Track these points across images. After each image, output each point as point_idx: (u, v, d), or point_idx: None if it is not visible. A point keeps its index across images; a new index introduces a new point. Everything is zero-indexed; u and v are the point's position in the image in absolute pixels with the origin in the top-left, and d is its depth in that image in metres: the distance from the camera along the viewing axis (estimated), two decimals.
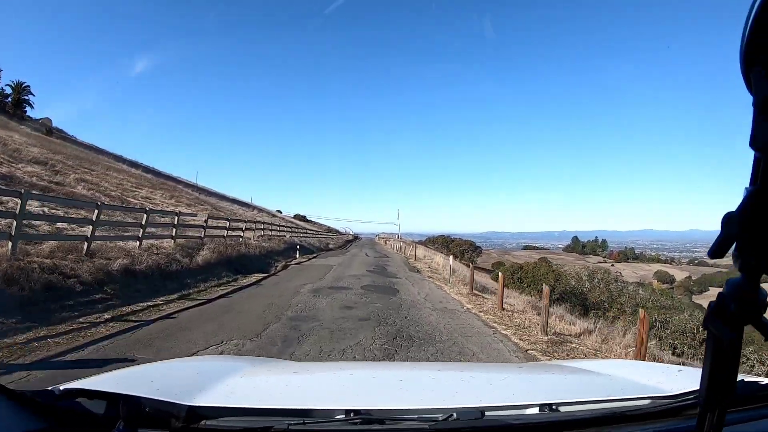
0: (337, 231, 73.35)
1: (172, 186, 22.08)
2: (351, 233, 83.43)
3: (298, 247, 18.42)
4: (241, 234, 15.32)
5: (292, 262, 14.90)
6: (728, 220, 0.43)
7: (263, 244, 16.06)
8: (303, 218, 68.03)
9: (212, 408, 0.91)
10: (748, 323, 0.44)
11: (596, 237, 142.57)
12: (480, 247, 54.17)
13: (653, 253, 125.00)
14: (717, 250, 0.44)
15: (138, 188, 17.35)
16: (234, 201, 38.28)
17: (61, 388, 0.90)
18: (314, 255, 20.39)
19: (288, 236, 23.03)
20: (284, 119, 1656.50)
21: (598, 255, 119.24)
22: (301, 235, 28.62)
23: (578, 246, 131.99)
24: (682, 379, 1.18)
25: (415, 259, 21.18)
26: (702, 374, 0.47)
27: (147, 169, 29.22)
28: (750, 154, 0.44)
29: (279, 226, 25.33)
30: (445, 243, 41.00)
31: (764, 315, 0.44)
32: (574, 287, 20.22)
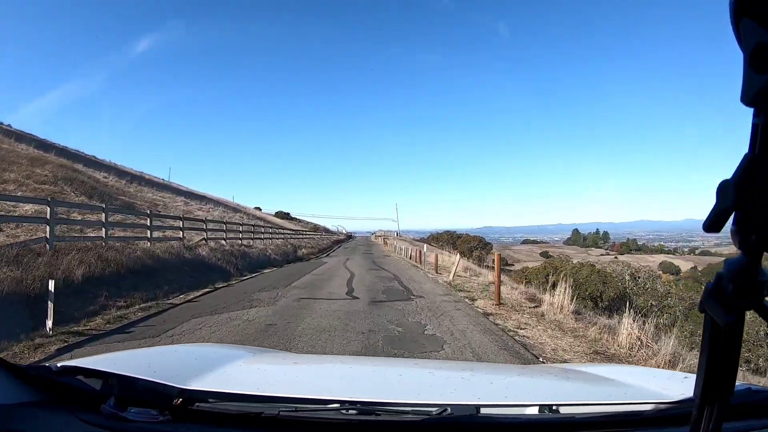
0: (326, 229, 66.69)
1: (70, 166, 16.10)
2: (344, 232, 76.52)
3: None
4: None
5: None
6: (723, 189, 0.38)
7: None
8: (286, 216, 61.76)
9: (206, 392, 0.91)
10: (749, 307, 0.39)
11: (597, 229, 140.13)
12: (490, 244, 47.82)
13: (656, 244, 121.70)
14: (713, 222, 0.38)
15: None
16: (191, 194, 32.18)
17: (59, 365, 0.91)
18: (203, 290, 8.34)
19: (212, 243, 13.27)
20: (276, 117, 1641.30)
21: (600, 247, 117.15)
22: (255, 236, 20.03)
23: (579, 239, 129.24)
24: (688, 385, 1.09)
25: (498, 303, 7.39)
26: (699, 366, 0.41)
27: (63, 151, 23.12)
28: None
29: (225, 223, 16.84)
30: (451, 240, 36.21)
31: (766, 299, 0.39)
32: (619, 290, 15.30)
